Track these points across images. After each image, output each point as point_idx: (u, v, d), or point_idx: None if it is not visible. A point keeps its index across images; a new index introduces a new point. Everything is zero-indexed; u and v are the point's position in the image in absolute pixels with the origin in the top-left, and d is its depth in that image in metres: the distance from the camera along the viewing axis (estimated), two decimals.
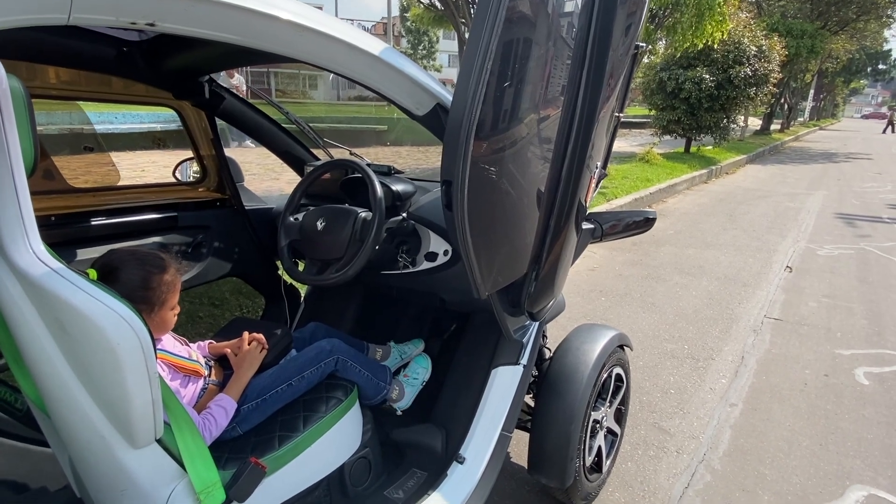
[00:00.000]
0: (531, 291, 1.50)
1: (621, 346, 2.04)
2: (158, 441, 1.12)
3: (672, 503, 2.02)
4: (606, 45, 1.34)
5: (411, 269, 1.73)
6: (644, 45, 2.01)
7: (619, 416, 2.15)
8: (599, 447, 1.97)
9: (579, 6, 1.28)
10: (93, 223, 1.66)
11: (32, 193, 1.59)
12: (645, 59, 11.23)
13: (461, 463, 1.59)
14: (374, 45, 1.20)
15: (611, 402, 2.03)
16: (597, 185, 1.97)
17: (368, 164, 1.91)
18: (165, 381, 1.18)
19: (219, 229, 2.00)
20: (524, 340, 1.71)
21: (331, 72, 1.25)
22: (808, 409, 2.66)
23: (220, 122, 1.92)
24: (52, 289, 0.92)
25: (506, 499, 2.03)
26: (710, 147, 13.73)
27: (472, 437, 1.63)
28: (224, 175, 1.99)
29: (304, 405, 1.46)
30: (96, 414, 1.04)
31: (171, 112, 1.84)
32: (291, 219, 1.75)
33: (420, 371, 1.83)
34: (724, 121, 12.21)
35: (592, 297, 4.13)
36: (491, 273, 1.32)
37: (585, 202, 1.55)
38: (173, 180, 2.00)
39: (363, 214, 1.64)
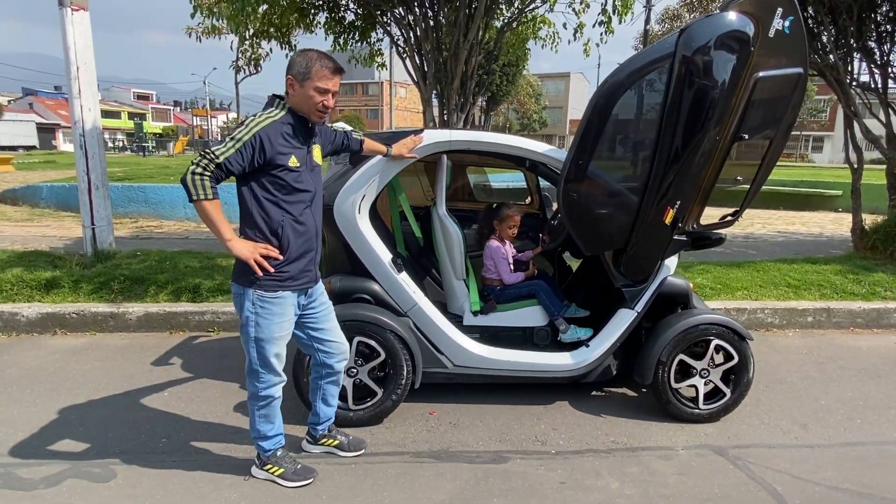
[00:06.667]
0: (623, 261, 2.97)
1: (731, 330, 2.98)
2: (464, 280, 3.36)
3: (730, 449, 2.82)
4: (679, 127, 2.71)
5: None
6: (745, 136, 2.55)
7: (736, 384, 3.03)
8: (696, 387, 3.02)
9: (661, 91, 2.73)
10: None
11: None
12: None
13: (587, 347, 3.17)
14: (546, 148, 3.10)
15: (716, 365, 3.02)
16: (722, 221, 3.09)
17: None
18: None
19: (531, 228, 4.13)
20: (638, 293, 3.07)
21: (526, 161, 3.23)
22: None
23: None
24: (444, 221, 3.27)
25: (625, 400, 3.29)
26: None
27: (596, 339, 3.17)
28: (539, 202, 4.15)
29: (523, 296, 3.41)
30: (449, 267, 3.36)
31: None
32: (552, 222, 3.71)
33: (583, 334, 3.35)
34: None
35: (888, 371, 4.03)
36: (591, 242, 2.94)
37: (665, 221, 2.85)
38: (522, 202, 4.30)
39: None
